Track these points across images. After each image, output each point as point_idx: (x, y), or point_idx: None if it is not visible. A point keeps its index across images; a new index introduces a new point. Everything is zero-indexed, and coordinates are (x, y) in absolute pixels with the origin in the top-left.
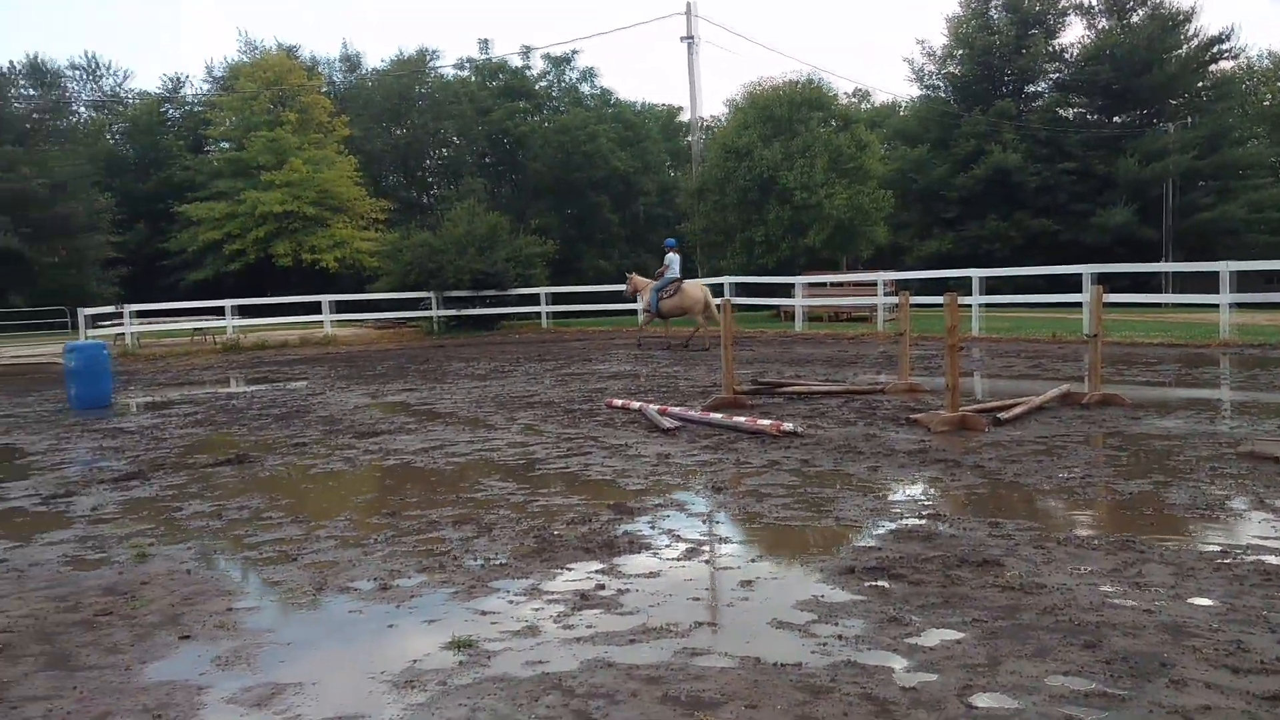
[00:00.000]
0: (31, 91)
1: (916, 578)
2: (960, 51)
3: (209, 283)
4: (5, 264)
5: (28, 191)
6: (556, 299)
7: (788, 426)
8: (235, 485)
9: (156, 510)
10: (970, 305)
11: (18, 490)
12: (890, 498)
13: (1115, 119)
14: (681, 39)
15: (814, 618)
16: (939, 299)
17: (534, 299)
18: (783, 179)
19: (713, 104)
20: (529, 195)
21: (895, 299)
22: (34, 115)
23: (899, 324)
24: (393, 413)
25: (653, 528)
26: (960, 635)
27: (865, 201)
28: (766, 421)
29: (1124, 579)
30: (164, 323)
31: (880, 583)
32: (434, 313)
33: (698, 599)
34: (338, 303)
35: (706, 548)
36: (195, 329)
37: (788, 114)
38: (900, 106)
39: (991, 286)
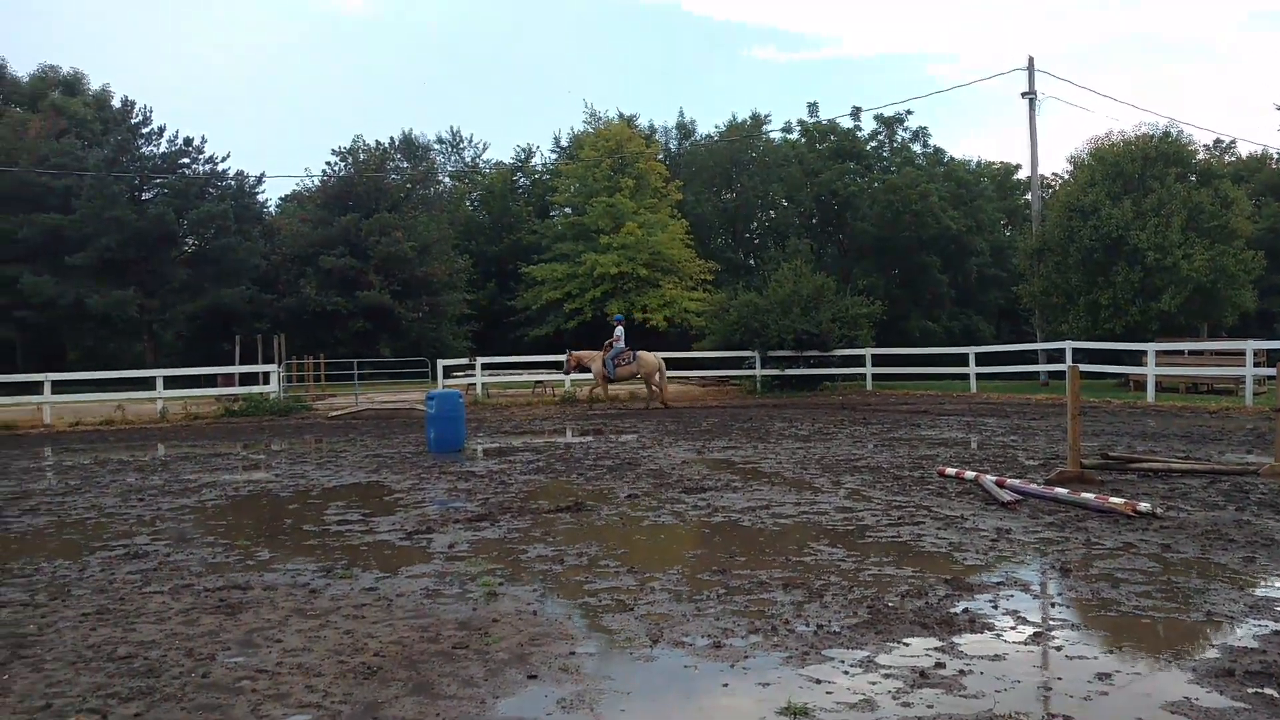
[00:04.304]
0: (404, 164)
1: None
2: None
3: (548, 338)
4: (377, 317)
5: (399, 254)
6: (881, 360)
7: (1143, 507)
8: (573, 532)
9: (504, 551)
10: None
11: (385, 525)
12: (1271, 594)
13: None
14: (1022, 95)
15: None
16: None
17: (858, 360)
18: (1133, 239)
19: (1053, 161)
20: (854, 256)
21: (1268, 370)
22: (406, 185)
23: (1275, 398)
24: (718, 470)
25: (994, 607)
26: None
27: (1229, 263)
28: (1118, 500)
29: None
30: (509, 375)
31: (1267, 690)
32: (757, 371)
33: (1048, 688)
34: (664, 359)
35: (1056, 633)
36: (536, 381)
37: (1139, 169)
38: (1271, 158)
39: None
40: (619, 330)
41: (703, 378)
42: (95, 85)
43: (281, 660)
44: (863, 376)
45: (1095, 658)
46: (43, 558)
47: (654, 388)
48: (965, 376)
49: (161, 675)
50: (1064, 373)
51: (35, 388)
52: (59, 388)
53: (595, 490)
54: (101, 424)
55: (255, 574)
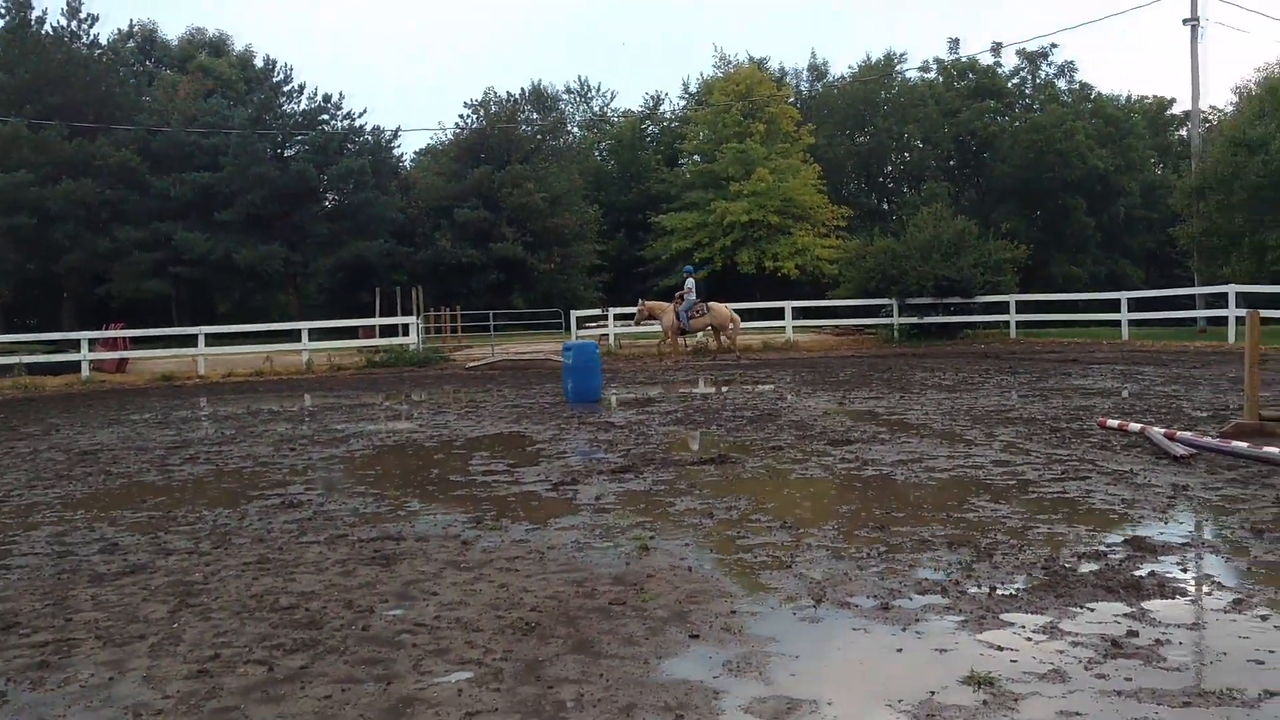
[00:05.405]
0: (535, 115)
1: None
2: None
3: (678, 288)
4: (510, 269)
5: (531, 205)
6: (1025, 307)
7: None
8: (720, 484)
9: (651, 503)
10: None
11: (530, 476)
12: None
13: None
14: (1184, 22)
15: None
16: None
17: (1001, 307)
18: None
19: (1212, 93)
20: (994, 198)
21: None
22: (537, 136)
23: None
24: (862, 421)
25: (1183, 570)
26: None
27: None
28: None
29: None
30: (641, 325)
31: None
32: (894, 320)
33: (1261, 662)
34: (797, 309)
35: (1257, 600)
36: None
37: None
38: None
39: None
40: (690, 283)
41: (836, 327)
42: (239, 46)
43: (439, 614)
44: (1006, 324)
45: None
46: (204, 506)
47: (724, 338)
48: (1116, 323)
49: (323, 627)
50: (1223, 319)
51: (191, 341)
52: (212, 340)
53: (737, 442)
54: (252, 375)
55: (407, 524)
